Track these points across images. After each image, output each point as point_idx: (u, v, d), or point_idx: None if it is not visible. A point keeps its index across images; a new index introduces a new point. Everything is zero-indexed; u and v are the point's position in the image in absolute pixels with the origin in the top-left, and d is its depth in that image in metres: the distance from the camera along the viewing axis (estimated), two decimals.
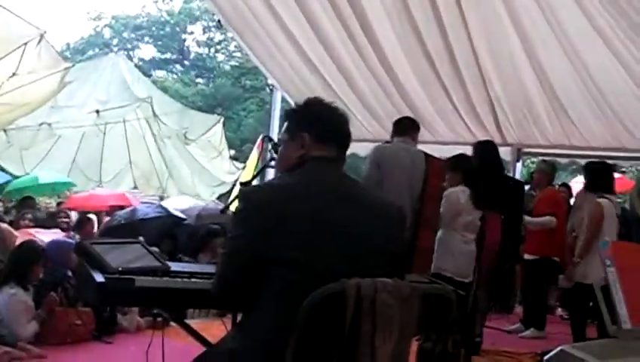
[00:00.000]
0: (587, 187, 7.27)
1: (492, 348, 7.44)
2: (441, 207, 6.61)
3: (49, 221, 10.44)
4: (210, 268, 3.13)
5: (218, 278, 2.59)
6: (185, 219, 10.66)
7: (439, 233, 6.67)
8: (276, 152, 2.88)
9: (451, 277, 6.37)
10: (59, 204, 16.04)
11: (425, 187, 6.46)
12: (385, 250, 2.54)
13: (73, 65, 13.12)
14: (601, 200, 7.01)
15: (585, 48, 7.95)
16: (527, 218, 8.23)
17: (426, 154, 6.67)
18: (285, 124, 2.78)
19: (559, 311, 10.41)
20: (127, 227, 10.21)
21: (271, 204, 2.42)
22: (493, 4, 7.82)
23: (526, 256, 8.46)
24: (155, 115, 15.43)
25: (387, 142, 7.02)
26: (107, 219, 12.34)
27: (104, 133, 15.90)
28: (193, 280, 3.00)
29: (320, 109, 2.73)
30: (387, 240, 2.56)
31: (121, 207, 12.29)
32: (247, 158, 15.24)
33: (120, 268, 2.84)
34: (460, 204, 6.66)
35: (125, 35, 43.38)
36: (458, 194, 6.68)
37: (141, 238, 3.95)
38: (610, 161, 9.12)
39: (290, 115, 2.80)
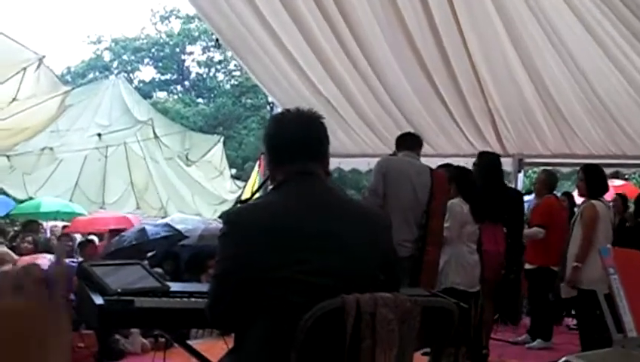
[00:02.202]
0: (589, 194, 7.07)
1: (499, 360, 7.39)
2: (447, 220, 6.55)
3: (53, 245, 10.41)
4: None
5: (210, 301, 2.56)
6: (187, 237, 10.62)
7: (446, 247, 6.54)
8: None
9: (464, 290, 6.34)
10: (64, 227, 16.06)
11: (431, 201, 6.39)
12: (374, 259, 2.52)
13: (73, 89, 13.22)
14: (595, 201, 6.89)
15: (582, 55, 7.94)
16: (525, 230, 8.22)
17: (430, 168, 6.59)
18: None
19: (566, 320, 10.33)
20: (136, 248, 10.18)
21: (254, 224, 2.41)
22: (489, 16, 7.81)
23: (526, 266, 8.38)
24: (156, 136, 15.49)
25: (392, 154, 6.96)
26: (112, 240, 12.26)
27: (106, 157, 15.95)
28: (193, 299, 2.98)
29: (279, 127, 2.69)
30: (375, 248, 2.54)
31: (124, 230, 12.20)
32: (249, 177, 15.24)
33: (119, 290, 2.84)
34: (464, 215, 6.63)
35: (125, 57, 43.47)
36: (460, 205, 6.65)
37: (146, 260, 3.94)
38: (611, 169, 9.11)
39: (263, 137, 2.78)
